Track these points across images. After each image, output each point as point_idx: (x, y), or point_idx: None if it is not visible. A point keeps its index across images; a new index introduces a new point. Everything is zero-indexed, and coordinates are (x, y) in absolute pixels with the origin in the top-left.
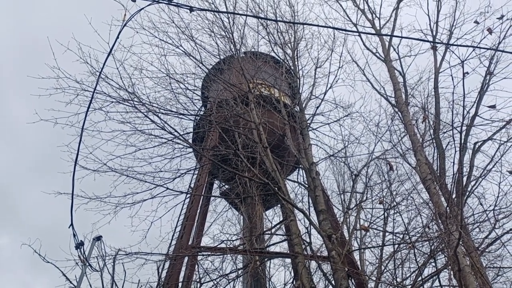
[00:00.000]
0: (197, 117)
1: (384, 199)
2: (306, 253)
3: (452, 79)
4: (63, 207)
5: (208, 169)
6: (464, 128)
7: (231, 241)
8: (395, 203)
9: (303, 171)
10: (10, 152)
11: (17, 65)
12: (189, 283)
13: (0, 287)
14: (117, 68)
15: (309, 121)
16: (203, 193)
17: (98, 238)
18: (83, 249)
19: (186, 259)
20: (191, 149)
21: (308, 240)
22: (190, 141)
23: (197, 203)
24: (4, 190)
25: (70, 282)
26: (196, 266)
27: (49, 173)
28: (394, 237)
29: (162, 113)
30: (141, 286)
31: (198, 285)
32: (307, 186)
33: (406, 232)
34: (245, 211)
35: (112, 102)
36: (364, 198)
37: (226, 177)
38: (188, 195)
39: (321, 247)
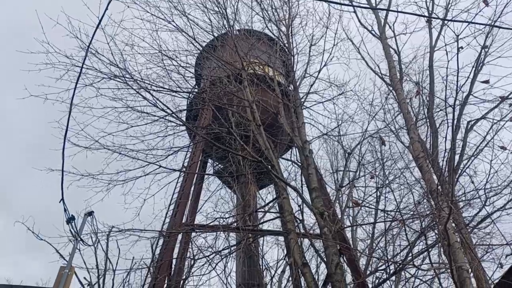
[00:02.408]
0: (190, 95)
1: (376, 174)
2: (298, 231)
3: (447, 55)
4: (56, 188)
5: (201, 147)
6: (457, 105)
7: (224, 219)
8: (387, 181)
9: (296, 149)
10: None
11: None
12: (183, 260)
13: None
14: (108, 43)
15: (303, 100)
16: (196, 171)
17: (90, 213)
18: (75, 224)
19: (179, 236)
20: (184, 127)
21: (300, 217)
22: (184, 119)
23: (190, 181)
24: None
25: (63, 258)
26: (190, 244)
27: (40, 154)
28: (386, 215)
29: (154, 90)
30: (135, 262)
31: (192, 262)
32: (300, 164)
33: (398, 210)
34: (238, 190)
35: (103, 78)
36: (357, 176)
37: (219, 156)
38: (182, 174)
39: (314, 226)
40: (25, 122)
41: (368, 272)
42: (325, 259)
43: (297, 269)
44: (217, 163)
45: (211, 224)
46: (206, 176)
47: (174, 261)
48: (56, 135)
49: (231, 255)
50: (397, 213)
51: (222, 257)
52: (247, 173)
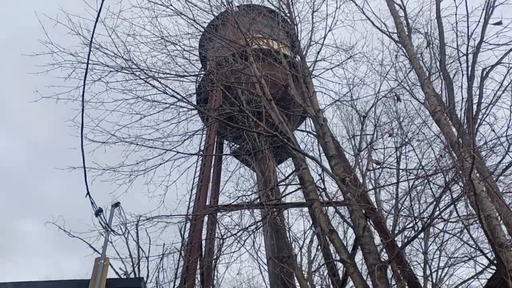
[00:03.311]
0: (198, 78)
1: (394, 133)
2: (322, 199)
3: (455, 1)
4: (78, 185)
5: (215, 128)
6: (470, 52)
7: (247, 196)
8: (406, 139)
9: (310, 119)
10: (16, 141)
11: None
12: (211, 241)
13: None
14: (110, 36)
15: (311, 69)
16: (213, 153)
17: (116, 204)
18: (103, 216)
19: (205, 218)
20: (196, 111)
21: (322, 186)
22: (195, 103)
23: (209, 163)
24: (20, 179)
25: (96, 251)
26: (217, 224)
27: (56, 154)
28: (409, 173)
29: (162, 78)
30: (166, 248)
31: (221, 241)
32: (315, 134)
33: (420, 167)
34: (257, 167)
35: (111, 71)
36: (375, 138)
37: (234, 135)
38: (200, 157)
39: (336, 193)
40: (34, 124)
41: (396, 232)
42: (351, 223)
43: (324, 237)
44: (233, 143)
45: (235, 203)
46: (224, 157)
47: (203, 242)
48: (73, 134)
49: (258, 231)
50: (419, 170)
51: (250, 233)
52: (264, 149)
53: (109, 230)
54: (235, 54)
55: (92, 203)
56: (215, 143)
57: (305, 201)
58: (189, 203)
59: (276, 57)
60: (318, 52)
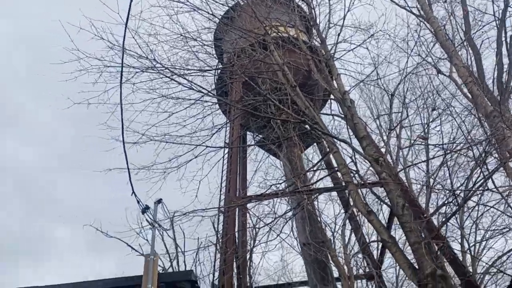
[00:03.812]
0: (218, 71)
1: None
2: (356, 181)
3: None
4: (102, 188)
5: (239, 121)
6: (497, 19)
7: (279, 184)
8: (437, 113)
9: (337, 103)
10: (42, 149)
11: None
12: (245, 232)
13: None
14: (133, 37)
15: (332, 51)
16: (240, 145)
17: (159, 201)
18: (150, 212)
19: (237, 210)
20: (217, 106)
21: (355, 168)
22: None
23: (235, 156)
24: (47, 186)
25: (134, 250)
26: (248, 215)
27: (81, 160)
28: (441, 148)
29: (186, 74)
30: (201, 242)
31: (254, 231)
32: (342, 116)
33: (453, 141)
34: (284, 155)
35: (136, 72)
36: (404, 116)
37: (257, 126)
38: (227, 150)
39: (366, 173)
40: (57, 131)
41: (429, 207)
42: (388, 203)
43: (356, 219)
44: (256, 134)
45: (267, 192)
46: (249, 150)
47: (237, 234)
48: (104, 137)
49: (292, 218)
50: (450, 144)
51: (287, 220)
52: (292, 136)
53: (156, 225)
54: (254, 44)
55: (138, 202)
56: (240, 135)
57: (334, 185)
58: (219, 196)
59: (295, 43)
60: (339, 34)
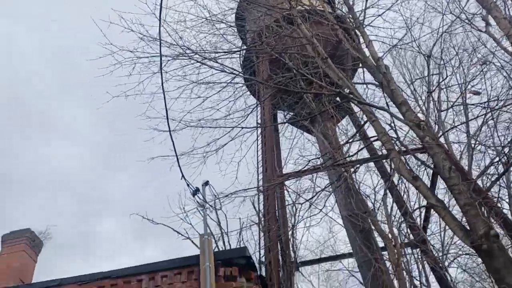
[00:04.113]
0: (243, 52)
1: (477, 91)
2: (398, 148)
3: None
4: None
5: (270, 100)
6: None
7: (314, 160)
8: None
9: (369, 71)
10: (85, 149)
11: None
12: (284, 209)
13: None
14: (163, 26)
15: (361, 18)
16: (273, 123)
17: (206, 183)
18: (200, 194)
19: (277, 189)
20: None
21: (395, 136)
22: (243, 79)
23: (269, 135)
24: (92, 183)
25: (181, 234)
26: (286, 192)
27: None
28: (482, 108)
29: (216, 57)
30: (243, 222)
31: (295, 208)
32: (377, 84)
33: (496, 98)
34: (319, 130)
35: (169, 60)
36: (442, 78)
37: (289, 104)
38: (261, 130)
39: (404, 139)
40: (89, 128)
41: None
42: (433, 168)
43: (396, 188)
44: (287, 112)
45: (306, 168)
46: (282, 128)
47: (277, 212)
48: (143, 127)
49: (336, 190)
50: (491, 102)
51: (330, 193)
52: (328, 109)
53: (207, 206)
54: (279, 20)
55: (188, 185)
56: (271, 114)
57: (372, 156)
58: (258, 176)
59: (321, 14)
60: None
